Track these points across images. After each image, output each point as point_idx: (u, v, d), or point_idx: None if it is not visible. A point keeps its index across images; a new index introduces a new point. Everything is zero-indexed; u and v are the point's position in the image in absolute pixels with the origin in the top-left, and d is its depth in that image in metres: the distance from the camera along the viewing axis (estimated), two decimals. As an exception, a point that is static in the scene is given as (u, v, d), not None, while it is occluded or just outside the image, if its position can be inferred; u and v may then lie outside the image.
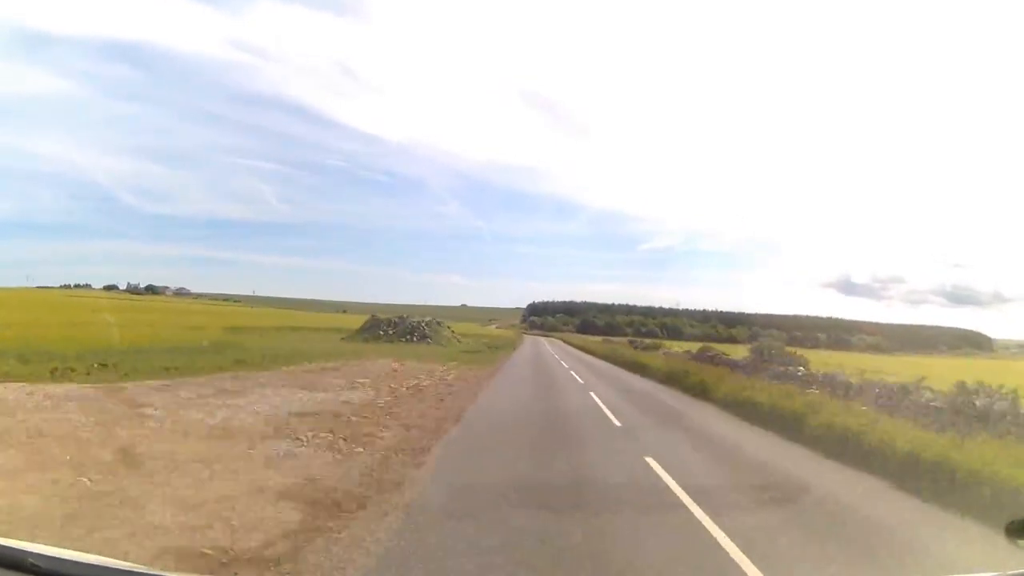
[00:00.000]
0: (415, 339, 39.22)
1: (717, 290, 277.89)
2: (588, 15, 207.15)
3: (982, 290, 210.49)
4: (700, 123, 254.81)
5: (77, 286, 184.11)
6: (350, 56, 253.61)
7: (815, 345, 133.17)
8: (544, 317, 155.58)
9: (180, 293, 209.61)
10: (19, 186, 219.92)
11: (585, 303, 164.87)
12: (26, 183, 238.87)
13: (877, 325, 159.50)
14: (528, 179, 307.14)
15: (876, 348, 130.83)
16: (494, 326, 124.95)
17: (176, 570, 3.68)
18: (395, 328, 41.19)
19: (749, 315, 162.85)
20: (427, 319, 44.61)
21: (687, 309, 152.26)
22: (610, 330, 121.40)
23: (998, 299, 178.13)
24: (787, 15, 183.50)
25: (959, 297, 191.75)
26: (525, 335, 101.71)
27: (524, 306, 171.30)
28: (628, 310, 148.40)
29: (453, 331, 46.24)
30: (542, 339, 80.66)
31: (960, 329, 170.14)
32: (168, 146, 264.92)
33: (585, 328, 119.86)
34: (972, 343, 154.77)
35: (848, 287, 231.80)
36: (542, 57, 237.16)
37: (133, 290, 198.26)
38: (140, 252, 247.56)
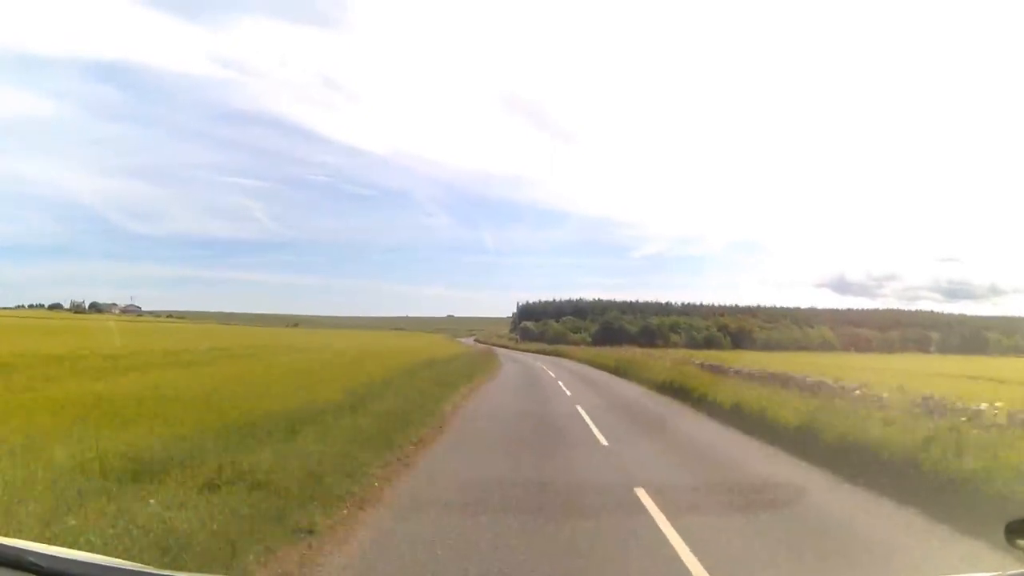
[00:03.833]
0: None
1: (711, 293, 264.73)
2: (572, 25, 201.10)
3: (977, 284, 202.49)
4: (688, 127, 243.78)
5: (31, 306, 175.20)
6: (333, 69, 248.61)
7: (922, 348, 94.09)
8: (544, 322, 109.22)
9: (129, 310, 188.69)
10: (5, 208, 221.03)
11: (599, 301, 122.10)
12: (12, 205, 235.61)
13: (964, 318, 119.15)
14: (515, 188, 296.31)
15: (1016, 349, 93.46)
16: (471, 339, 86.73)
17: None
18: None
19: (820, 311, 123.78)
20: None
21: (759, 306, 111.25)
22: (647, 338, 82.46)
23: (994, 292, 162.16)
24: (773, 16, 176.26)
25: (953, 292, 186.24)
26: (513, 352, 62.58)
27: (515, 312, 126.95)
28: (663, 309, 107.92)
29: None
30: (564, 370, 31.56)
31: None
32: (154, 165, 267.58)
33: (608, 336, 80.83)
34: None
35: (842, 286, 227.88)
36: (526, 67, 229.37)
37: (76, 308, 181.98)
38: (127, 272, 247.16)
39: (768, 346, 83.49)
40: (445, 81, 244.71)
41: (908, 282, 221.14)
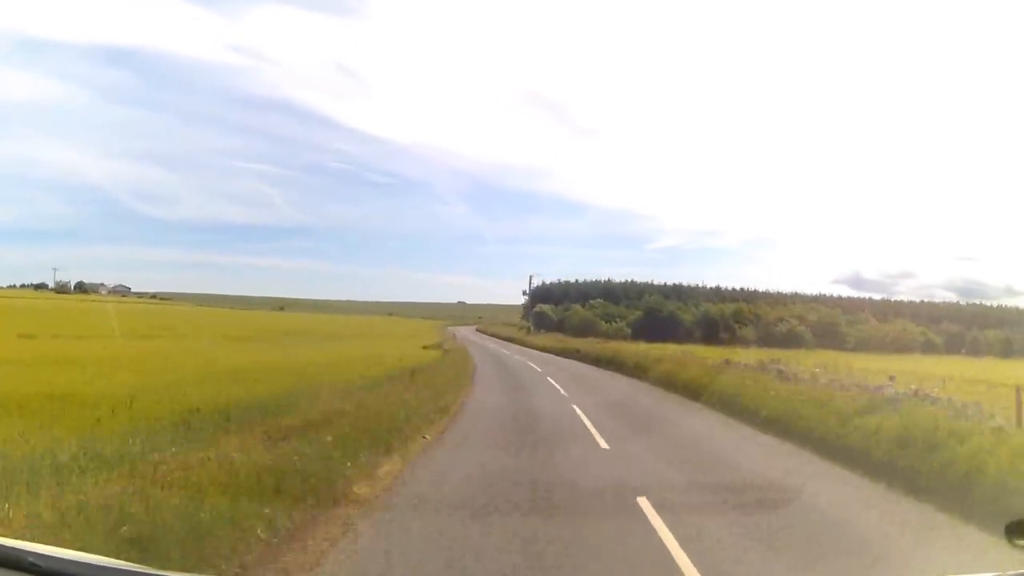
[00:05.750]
0: None
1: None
2: (592, 16, 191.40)
3: (992, 284, 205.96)
4: (706, 122, 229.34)
5: (23, 286, 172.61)
6: (351, 57, 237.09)
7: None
8: (565, 307, 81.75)
9: (117, 290, 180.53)
10: (20, 192, 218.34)
11: (633, 283, 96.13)
12: (26, 189, 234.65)
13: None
14: (533, 179, 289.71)
15: None
16: (471, 328, 66.89)
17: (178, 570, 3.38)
18: None
19: (894, 303, 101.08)
20: None
21: (836, 296, 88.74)
22: (706, 330, 61.63)
23: (1009, 293, 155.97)
24: (791, 14, 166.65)
25: (969, 291, 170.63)
26: (517, 351, 41.73)
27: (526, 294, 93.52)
28: (715, 295, 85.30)
29: None
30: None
31: None
32: (169, 149, 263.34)
33: (653, 327, 59.99)
34: None
35: (858, 283, 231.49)
36: (547, 57, 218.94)
37: (61, 288, 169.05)
38: (142, 256, 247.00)
39: (864, 346, 62.25)
40: (465, 73, 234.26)
41: (923, 280, 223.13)
